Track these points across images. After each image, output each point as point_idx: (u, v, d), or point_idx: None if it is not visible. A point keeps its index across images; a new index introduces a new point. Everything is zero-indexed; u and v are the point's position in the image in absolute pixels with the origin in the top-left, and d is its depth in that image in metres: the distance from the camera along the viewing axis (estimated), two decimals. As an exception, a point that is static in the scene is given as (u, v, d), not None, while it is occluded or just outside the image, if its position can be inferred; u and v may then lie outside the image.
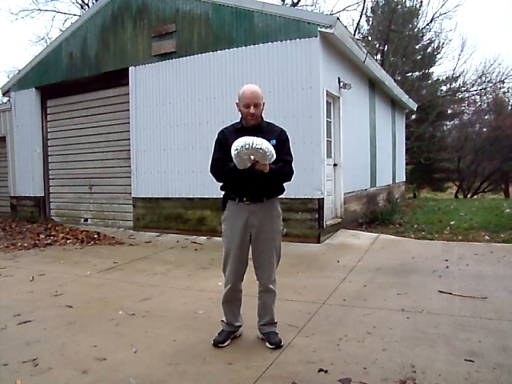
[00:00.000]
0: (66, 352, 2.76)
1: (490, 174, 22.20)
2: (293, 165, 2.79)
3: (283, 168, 2.69)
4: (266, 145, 2.46)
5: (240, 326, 2.94)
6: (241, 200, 2.74)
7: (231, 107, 6.69)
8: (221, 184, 2.86)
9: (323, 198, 6.27)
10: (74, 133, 8.87)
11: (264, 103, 2.79)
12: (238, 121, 2.85)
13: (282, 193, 2.86)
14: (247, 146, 2.43)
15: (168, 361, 2.61)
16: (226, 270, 2.83)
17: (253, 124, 2.75)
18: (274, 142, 2.69)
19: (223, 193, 2.86)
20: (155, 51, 7.48)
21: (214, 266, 4.98)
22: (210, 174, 2.82)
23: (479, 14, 42.01)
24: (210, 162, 2.80)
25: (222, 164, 2.71)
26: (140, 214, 7.83)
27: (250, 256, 2.84)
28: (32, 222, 9.04)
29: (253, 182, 2.67)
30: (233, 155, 2.50)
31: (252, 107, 2.68)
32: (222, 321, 2.91)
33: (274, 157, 2.53)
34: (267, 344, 2.76)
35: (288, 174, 2.76)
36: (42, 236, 7.43)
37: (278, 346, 2.73)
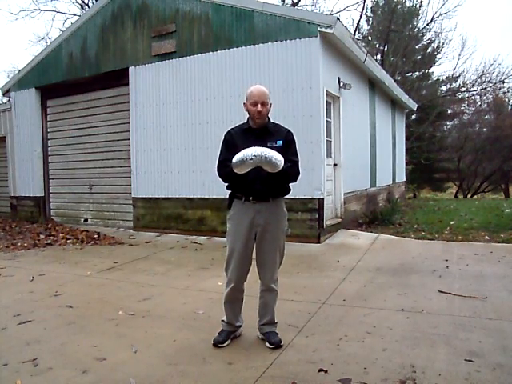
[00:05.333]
0: (66, 352, 2.76)
1: (490, 174, 22.19)
2: (299, 166, 2.79)
3: (291, 168, 2.69)
4: (275, 156, 2.49)
5: (240, 326, 2.94)
6: (247, 199, 2.74)
7: (231, 107, 6.74)
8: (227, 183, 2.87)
9: (323, 198, 6.27)
10: (74, 133, 8.87)
11: (271, 104, 2.80)
12: (245, 121, 2.85)
13: (287, 193, 2.86)
14: (255, 158, 2.45)
15: (168, 361, 2.61)
16: (229, 268, 2.81)
17: (260, 124, 2.75)
18: (281, 142, 2.71)
19: (229, 192, 2.85)
20: (155, 51, 7.48)
21: (214, 266, 4.98)
22: (217, 175, 2.81)
23: (479, 13, 42.06)
24: (217, 163, 2.80)
25: (225, 165, 2.70)
26: (140, 214, 7.83)
27: (253, 256, 2.84)
28: (32, 222, 9.03)
29: (259, 181, 2.66)
30: (237, 161, 2.50)
31: (259, 105, 2.68)
32: (223, 320, 2.90)
33: (282, 163, 2.53)
34: (267, 344, 2.76)
35: (295, 175, 2.77)
36: (42, 236, 7.43)
37: (277, 345, 2.73)
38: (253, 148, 2.49)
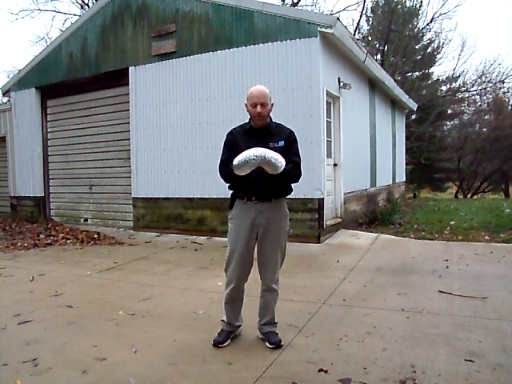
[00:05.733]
0: (66, 352, 2.76)
1: (490, 174, 22.20)
2: (301, 166, 2.77)
3: (293, 170, 2.68)
4: (276, 157, 2.49)
5: (240, 326, 2.94)
6: (249, 199, 2.73)
7: (231, 107, 6.74)
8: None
9: (323, 198, 6.27)
10: (74, 133, 8.87)
11: (272, 104, 2.78)
12: (247, 121, 2.84)
13: (290, 193, 2.85)
14: (257, 158, 2.45)
15: (168, 361, 2.61)
16: (229, 269, 2.79)
17: (261, 124, 2.74)
18: (283, 143, 2.71)
19: (231, 192, 2.84)
20: (155, 51, 7.48)
21: (214, 266, 4.98)
22: (219, 175, 2.81)
23: (479, 13, 42.06)
24: (219, 163, 2.79)
25: (227, 166, 2.69)
26: (140, 214, 7.83)
27: (255, 256, 2.83)
28: (32, 222, 9.03)
29: (261, 182, 2.65)
30: (238, 162, 2.49)
31: (259, 106, 2.67)
32: (223, 320, 2.89)
33: (284, 165, 2.53)
34: (267, 344, 2.76)
35: (297, 176, 2.75)
36: (42, 236, 7.42)
37: (277, 345, 2.72)
38: (254, 149, 2.49)
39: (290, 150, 2.73)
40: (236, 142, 2.74)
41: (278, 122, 2.89)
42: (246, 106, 2.78)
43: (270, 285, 2.81)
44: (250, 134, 2.75)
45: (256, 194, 2.71)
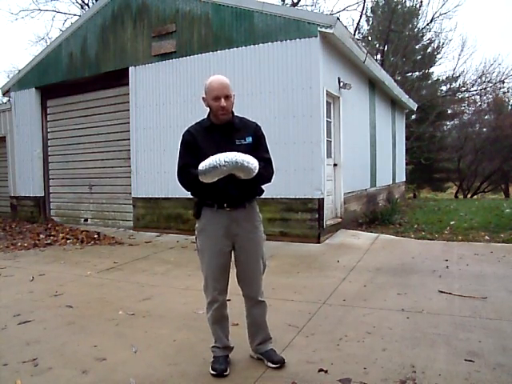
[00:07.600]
0: (66, 352, 2.76)
1: (490, 174, 22.20)
2: (273, 163, 2.51)
3: (266, 170, 2.40)
4: (249, 160, 2.21)
5: (233, 348, 2.60)
6: (220, 206, 2.42)
7: (231, 107, 6.73)
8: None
9: (323, 198, 6.27)
10: (73, 133, 8.87)
11: (234, 95, 2.47)
12: (205, 118, 2.51)
13: (261, 193, 2.56)
14: (228, 164, 2.15)
15: (168, 361, 2.61)
16: (210, 288, 2.48)
17: (224, 120, 2.42)
18: (251, 139, 2.44)
19: (196, 198, 2.53)
20: (155, 51, 7.48)
21: (214, 266, 4.98)
22: (178, 182, 2.49)
23: (479, 14, 42.07)
24: (177, 169, 2.45)
25: (188, 172, 2.37)
26: (140, 214, 7.83)
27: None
28: (32, 222, 9.04)
29: (234, 185, 2.33)
30: (205, 169, 2.18)
31: (222, 99, 2.35)
32: (215, 347, 2.53)
33: (257, 168, 2.25)
34: (269, 364, 2.49)
35: (271, 176, 2.48)
36: (42, 236, 7.43)
37: (282, 363, 2.48)
38: (223, 153, 2.18)
39: (259, 146, 2.46)
40: (196, 142, 2.41)
41: (240, 115, 2.56)
42: (205, 101, 2.44)
43: (256, 298, 2.54)
44: (212, 132, 2.43)
45: (228, 201, 2.40)
